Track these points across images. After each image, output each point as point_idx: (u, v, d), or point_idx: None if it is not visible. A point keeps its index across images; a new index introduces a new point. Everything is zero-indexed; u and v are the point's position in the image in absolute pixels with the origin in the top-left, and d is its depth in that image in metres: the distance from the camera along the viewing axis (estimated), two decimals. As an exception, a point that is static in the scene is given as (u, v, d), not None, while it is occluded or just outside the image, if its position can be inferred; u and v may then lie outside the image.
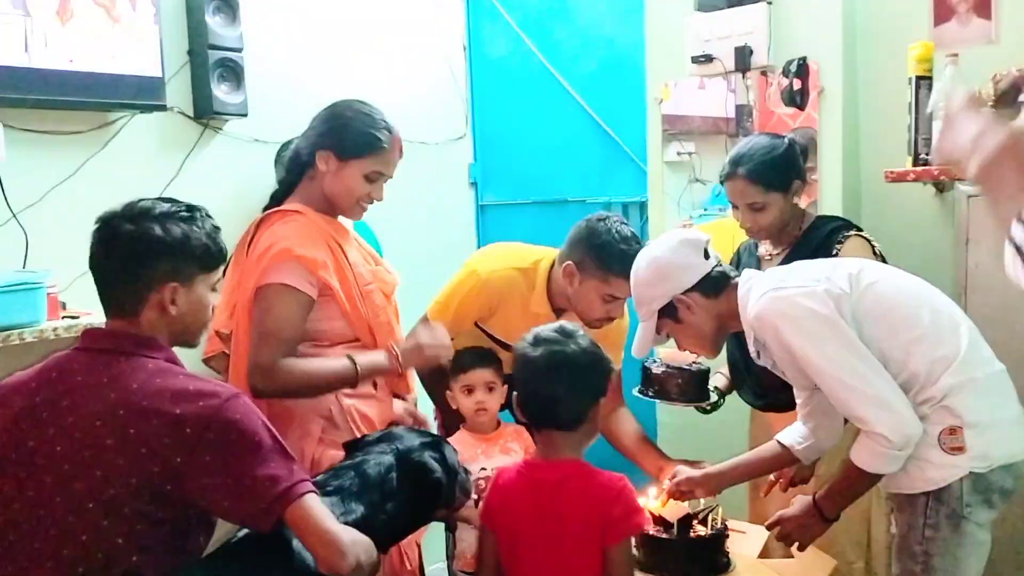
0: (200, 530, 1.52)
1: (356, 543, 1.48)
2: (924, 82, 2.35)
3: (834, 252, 2.16)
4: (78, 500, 1.41)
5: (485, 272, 2.34)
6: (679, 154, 3.10)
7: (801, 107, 2.72)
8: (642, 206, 3.35)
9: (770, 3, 2.72)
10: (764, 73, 2.80)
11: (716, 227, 2.95)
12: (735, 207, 2.24)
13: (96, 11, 2.55)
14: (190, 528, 1.49)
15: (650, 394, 2.31)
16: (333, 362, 1.98)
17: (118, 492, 1.41)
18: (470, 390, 2.31)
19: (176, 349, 1.61)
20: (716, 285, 1.94)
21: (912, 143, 2.36)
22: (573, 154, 3.71)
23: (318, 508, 1.47)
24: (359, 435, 1.96)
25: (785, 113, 2.76)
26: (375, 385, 2.11)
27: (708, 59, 2.83)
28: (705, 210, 3.07)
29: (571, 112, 3.69)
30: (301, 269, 1.94)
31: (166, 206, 1.58)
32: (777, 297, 1.79)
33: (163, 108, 2.74)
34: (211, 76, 2.83)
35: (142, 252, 1.54)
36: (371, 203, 2.10)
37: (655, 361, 2.32)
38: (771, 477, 2.19)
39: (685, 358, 2.27)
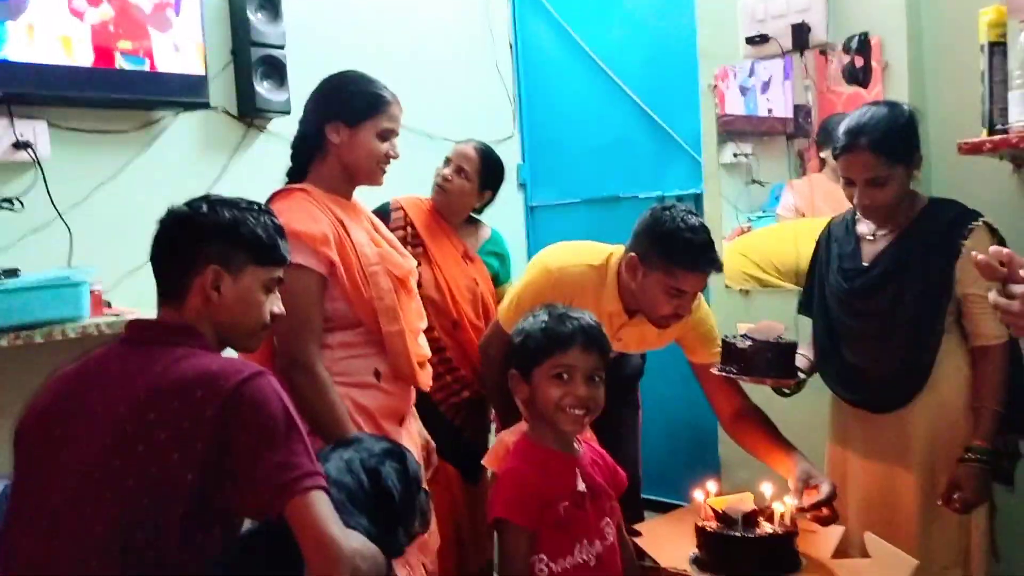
0: (219, 523, 1.39)
1: (357, 552, 1.33)
2: (998, 48, 2.20)
3: (958, 248, 2.00)
4: (97, 490, 1.34)
5: (556, 268, 2.24)
6: (736, 155, 2.98)
7: (864, 85, 2.58)
8: (697, 199, 3.23)
9: (827, -23, 2.60)
10: (823, 52, 2.67)
11: (775, 230, 2.84)
12: (849, 183, 2.07)
13: (140, 10, 2.55)
14: (210, 522, 1.37)
15: (734, 371, 2.15)
16: (347, 421, 1.88)
17: (136, 482, 1.33)
18: None
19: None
20: None
21: (987, 113, 2.20)
22: (624, 149, 3.61)
23: (322, 507, 1.33)
24: (354, 427, 1.85)
25: (846, 92, 2.63)
26: (377, 375, 2.00)
27: (763, 39, 2.70)
28: (764, 212, 2.95)
29: (621, 106, 3.60)
30: (302, 245, 1.86)
31: (227, 197, 1.55)
32: None
33: (206, 107, 2.73)
34: (254, 74, 2.82)
35: (188, 231, 1.49)
36: (388, 163, 2.06)
37: (738, 336, 2.17)
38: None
39: (770, 332, 2.13)
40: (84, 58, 2.45)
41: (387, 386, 2.02)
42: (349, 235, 1.97)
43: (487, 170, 2.77)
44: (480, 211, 2.88)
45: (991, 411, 1.99)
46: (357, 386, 1.97)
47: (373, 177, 2.07)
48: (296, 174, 2.09)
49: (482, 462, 2.11)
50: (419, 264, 2.56)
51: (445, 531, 2.56)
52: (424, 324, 2.16)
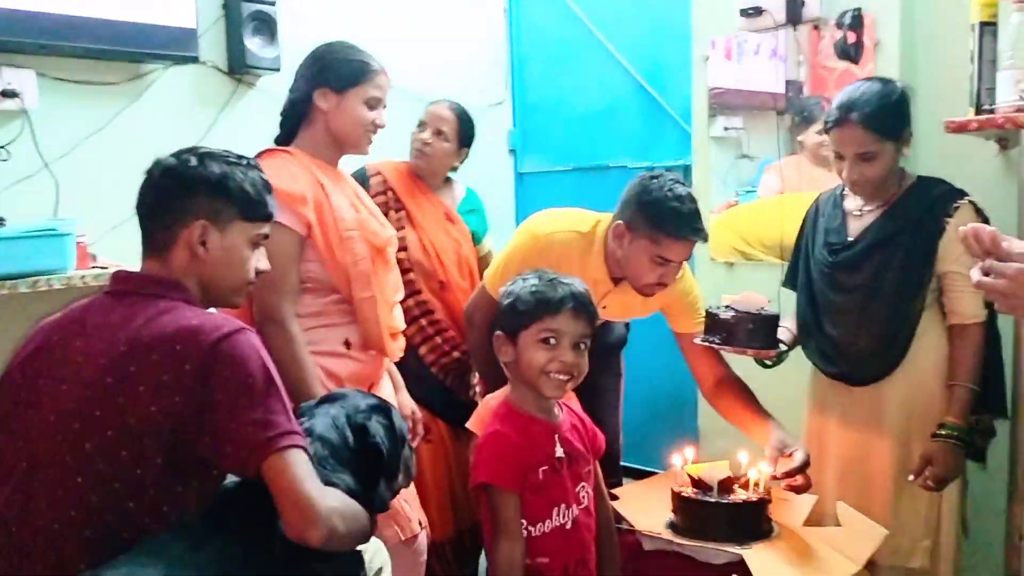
0: (197, 476, 1.40)
1: (335, 511, 1.33)
2: (988, 28, 2.21)
3: (942, 226, 2.02)
4: (76, 441, 1.35)
5: (544, 234, 2.24)
6: (726, 129, 2.98)
7: (856, 61, 2.59)
8: (686, 171, 3.24)
9: (823, -50, 2.59)
10: (816, 27, 2.67)
11: (761, 205, 2.85)
12: (839, 158, 2.08)
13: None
14: (188, 474, 1.38)
15: (716, 341, 2.16)
16: (316, 381, 1.89)
17: (115, 433, 1.33)
18: None
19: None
20: None
21: (975, 92, 2.21)
22: (615, 118, 3.62)
23: (299, 466, 1.33)
24: (322, 388, 1.85)
25: (838, 69, 2.63)
26: (347, 344, 2.02)
27: (758, 12, 2.70)
28: (753, 187, 2.96)
29: (613, 74, 3.60)
30: (281, 203, 1.84)
31: (215, 150, 1.54)
32: None
33: (195, 60, 2.71)
34: (245, 29, 2.80)
35: (176, 184, 1.48)
36: (375, 131, 2.09)
37: (721, 307, 2.19)
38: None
39: (753, 304, 2.16)
40: (74, 7, 2.42)
41: (357, 354, 2.04)
42: (329, 198, 1.98)
43: (464, 129, 2.80)
44: (455, 170, 2.89)
45: (966, 389, 2.02)
46: (327, 354, 1.99)
47: (359, 145, 2.09)
48: (283, 140, 2.10)
49: (467, 425, 2.14)
50: (403, 228, 2.58)
51: (442, 488, 2.60)
52: (400, 296, 2.17)
